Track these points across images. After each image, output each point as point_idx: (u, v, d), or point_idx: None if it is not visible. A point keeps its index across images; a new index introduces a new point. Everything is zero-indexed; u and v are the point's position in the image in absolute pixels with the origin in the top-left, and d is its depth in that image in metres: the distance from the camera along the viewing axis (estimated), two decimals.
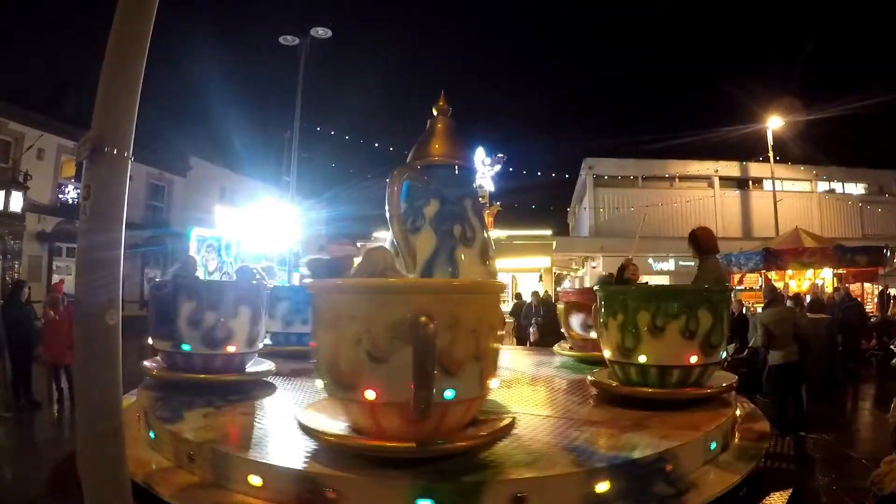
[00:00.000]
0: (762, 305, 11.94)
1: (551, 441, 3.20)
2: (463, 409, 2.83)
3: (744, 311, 15.87)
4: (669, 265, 35.34)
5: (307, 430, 2.85)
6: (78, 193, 26.22)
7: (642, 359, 4.00)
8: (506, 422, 3.01)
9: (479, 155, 26.67)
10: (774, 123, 32.57)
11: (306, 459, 2.87)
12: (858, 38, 63.54)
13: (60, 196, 27.29)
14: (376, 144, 30.94)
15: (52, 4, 38.45)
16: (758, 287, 23.85)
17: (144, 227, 28.55)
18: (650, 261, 34.61)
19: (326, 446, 2.84)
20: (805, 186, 40.05)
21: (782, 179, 36.54)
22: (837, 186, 40.94)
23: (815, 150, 36.96)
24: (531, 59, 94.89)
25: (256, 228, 20.68)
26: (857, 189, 41.26)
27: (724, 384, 4.20)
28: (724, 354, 4.21)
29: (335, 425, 2.90)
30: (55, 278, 23.83)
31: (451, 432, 2.81)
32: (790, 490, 3.60)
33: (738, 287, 24.26)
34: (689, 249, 5.85)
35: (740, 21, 76.76)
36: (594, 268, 35.54)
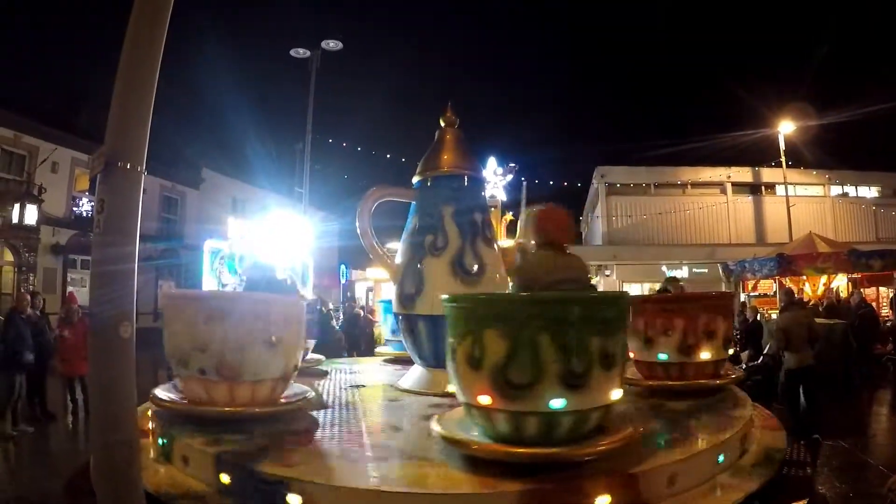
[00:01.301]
0: (778, 310, 11.88)
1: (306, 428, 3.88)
2: (270, 386, 3.93)
3: (758, 317, 15.80)
4: (683, 272, 35.21)
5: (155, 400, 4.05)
6: (92, 206, 26.01)
7: (450, 387, 3.36)
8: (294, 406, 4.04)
9: (491, 165, 26.68)
10: (786, 128, 32.42)
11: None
12: (869, 41, 63.26)
13: (75, 209, 27.46)
14: (388, 155, 30.99)
15: (65, 19, 38.76)
16: (772, 293, 23.80)
17: (158, 240, 28.69)
18: (663, 268, 34.49)
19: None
20: (818, 191, 39.77)
21: (795, 184, 36.30)
22: (851, 190, 40.65)
23: (827, 154, 36.74)
24: (542, 70, 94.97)
25: (269, 240, 20.73)
26: (870, 192, 40.95)
27: (584, 453, 2.94)
28: (563, 404, 2.86)
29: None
30: (70, 290, 23.97)
31: (265, 403, 3.90)
32: (807, 497, 3.59)
33: (752, 293, 24.21)
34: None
35: (750, 26, 76.55)
36: (608, 276, 35.47)
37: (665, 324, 5.01)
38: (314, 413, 4.26)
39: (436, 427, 3.19)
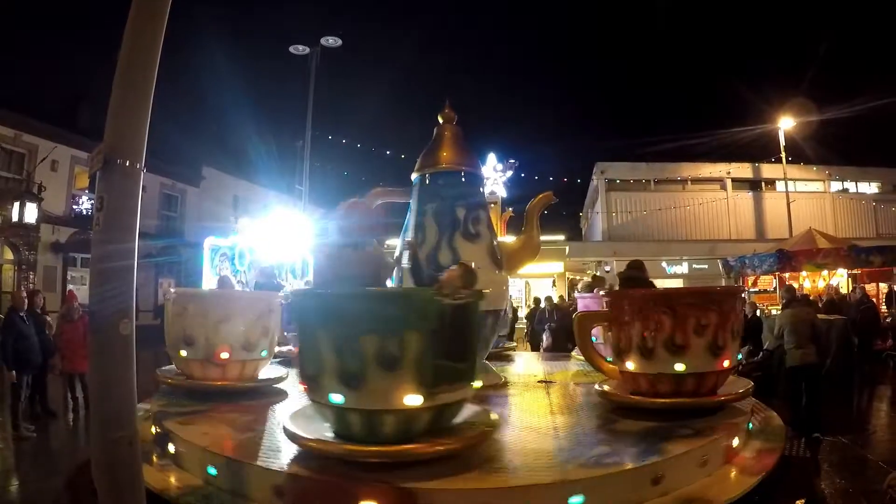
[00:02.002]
0: (780, 306, 11.79)
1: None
2: (253, 366, 5.30)
3: (757, 313, 15.77)
4: (683, 268, 35.25)
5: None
6: (92, 204, 26.04)
7: None
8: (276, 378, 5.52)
9: (491, 161, 26.75)
10: (786, 124, 32.40)
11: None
12: (869, 36, 63.21)
13: (74, 207, 27.48)
14: (388, 152, 31.00)
15: (64, 17, 38.70)
16: (772, 289, 23.80)
17: (158, 237, 28.68)
18: (663, 264, 34.51)
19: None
20: (818, 187, 39.76)
21: (795, 180, 36.28)
22: (850, 186, 40.64)
23: (827, 149, 36.68)
24: (542, 66, 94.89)
25: (270, 237, 20.67)
26: (870, 188, 40.95)
27: (349, 450, 3.03)
28: (342, 400, 2.95)
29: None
30: (70, 288, 23.98)
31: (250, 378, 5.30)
32: (806, 493, 3.58)
33: (752, 289, 24.20)
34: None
35: (751, 22, 76.44)
36: (608, 272, 35.51)
37: (635, 327, 4.30)
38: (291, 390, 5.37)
39: (287, 419, 3.37)
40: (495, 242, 5.48)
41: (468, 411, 3.42)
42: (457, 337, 2.99)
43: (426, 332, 2.85)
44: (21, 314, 10.62)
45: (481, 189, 5.70)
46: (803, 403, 9.44)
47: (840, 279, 22.83)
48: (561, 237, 32.66)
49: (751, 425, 4.18)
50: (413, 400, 2.88)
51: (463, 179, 5.49)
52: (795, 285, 21.11)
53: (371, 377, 2.82)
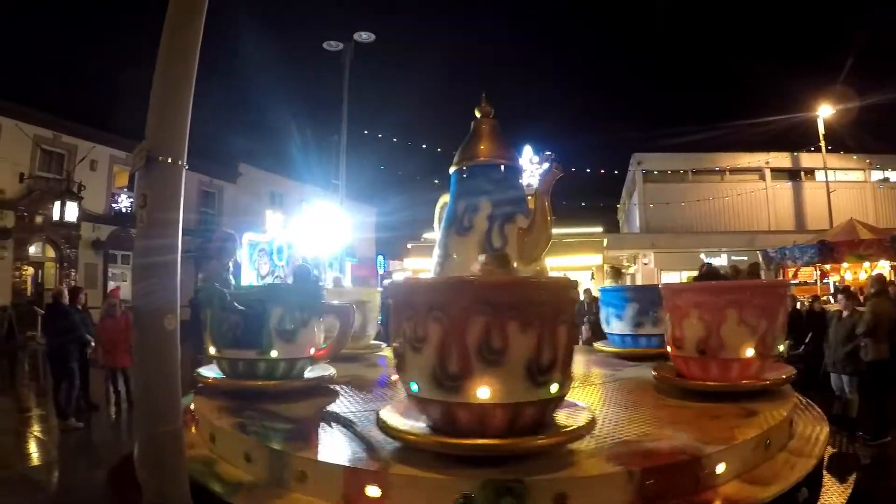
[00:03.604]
0: (866, 295, 11.20)
1: None
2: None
3: (798, 305, 15.49)
4: (722, 260, 34.81)
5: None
6: (131, 202, 27.02)
7: None
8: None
9: (528, 153, 26.70)
10: (825, 112, 31.80)
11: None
12: None
13: (114, 205, 27.98)
14: (424, 146, 31.03)
15: (103, 18, 39.22)
16: (812, 281, 23.43)
17: (196, 233, 29.02)
18: (702, 256, 34.12)
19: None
20: (858, 176, 39.02)
21: (835, 169, 35.64)
22: (892, 175, 39.87)
23: (868, 137, 35.94)
24: (578, 56, 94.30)
25: (307, 232, 20.79)
26: None
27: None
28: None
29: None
30: (111, 285, 24.38)
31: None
32: (849, 491, 3.53)
33: (792, 281, 23.82)
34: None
35: (789, 7, 75.27)
36: (646, 264, 35.21)
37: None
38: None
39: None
40: (495, 233, 5.26)
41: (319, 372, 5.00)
42: (246, 318, 4.51)
43: (213, 311, 4.65)
44: (63, 308, 10.79)
45: (498, 180, 5.49)
46: (878, 400, 9.03)
47: (882, 270, 22.41)
48: (599, 229, 32.40)
49: None
50: (212, 351, 4.71)
51: (468, 174, 5.42)
52: (836, 277, 20.81)
53: (204, 333, 4.77)
